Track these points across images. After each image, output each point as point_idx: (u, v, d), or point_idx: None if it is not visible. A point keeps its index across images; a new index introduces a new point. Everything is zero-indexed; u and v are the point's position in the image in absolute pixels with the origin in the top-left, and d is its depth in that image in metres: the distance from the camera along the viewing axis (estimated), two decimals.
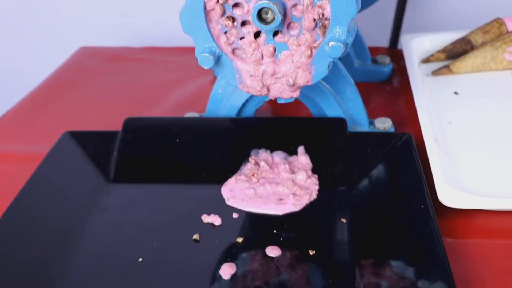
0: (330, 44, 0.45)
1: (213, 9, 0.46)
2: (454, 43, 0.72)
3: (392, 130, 0.58)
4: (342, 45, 0.45)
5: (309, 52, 0.46)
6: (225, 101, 0.58)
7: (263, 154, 0.53)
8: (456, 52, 0.71)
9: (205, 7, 0.46)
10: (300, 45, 0.47)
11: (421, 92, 0.63)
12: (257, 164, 0.51)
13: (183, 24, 0.47)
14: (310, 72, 0.48)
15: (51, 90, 0.73)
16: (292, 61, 0.47)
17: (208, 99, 0.59)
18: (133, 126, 0.56)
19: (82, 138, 0.56)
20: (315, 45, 0.46)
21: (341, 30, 0.45)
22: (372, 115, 0.62)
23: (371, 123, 0.59)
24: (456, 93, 0.65)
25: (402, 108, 0.66)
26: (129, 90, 0.72)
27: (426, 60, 0.72)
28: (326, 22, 0.45)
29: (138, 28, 0.93)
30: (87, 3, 0.93)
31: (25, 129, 0.65)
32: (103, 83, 0.74)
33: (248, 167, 0.52)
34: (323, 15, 0.45)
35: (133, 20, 0.92)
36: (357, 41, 0.70)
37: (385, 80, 0.71)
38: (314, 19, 0.45)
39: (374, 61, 0.72)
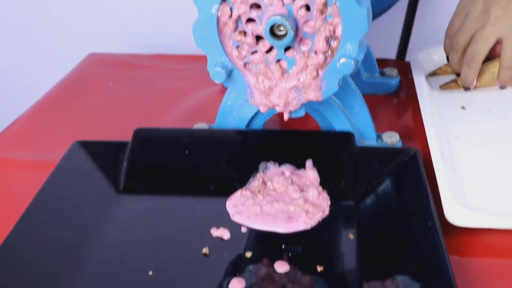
0: (341, 61, 0.46)
1: (226, 23, 0.47)
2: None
3: (400, 144, 0.59)
4: (353, 62, 0.46)
5: (315, 74, 0.47)
6: (234, 113, 0.58)
7: (272, 167, 0.54)
8: None
9: (218, 22, 0.47)
10: (307, 65, 0.47)
11: (428, 106, 0.63)
12: (264, 182, 0.52)
13: (196, 37, 0.48)
14: (320, 88, 0.48)
15: (60, 97, 0.74)
16: (298, 80, 0.48)
17: (217, 109, 0.59)
18: (142, 137, 0.57)
19: (92, 148, 0.57)
20: (322, 65, 0.47)
21: (352, 47, 0.46)
22: (379, 128, 0.62)
23: (379, 137, 0.59)
24: (463, 107, 0.65)
25: (409, 122, 0.66)
26: (138, 98, 0.73)
27: (433, 73, 0.72)
28: (335, 44, 0.46)
29: (148, 35, 0.94)
30: (96, 10, 0.94)
31: (35, 136, 0.65)
32: (112, 90, 0.75)
33: (255, 184, 0.52)
34: (334, 32, 0.46)
35: (142, 26, 0.93)
36: (365, 53, 0.70)
37: (392, 92, 0.72)
38: (327, 42, 0.46)
39: (382, 74, 0.72)
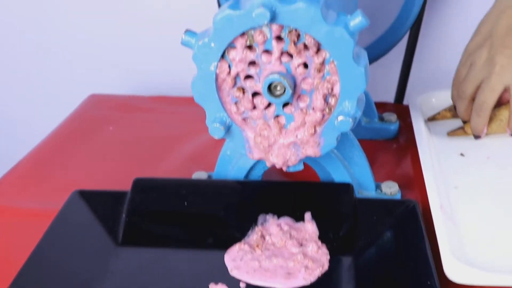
0: (339, 118, 0.46)
1: (225, 80, 0.47)
2: None
3: (399, 195, 0.59)
4: (351, 119, 0.46)
5: (313, 131, 0.47)
6: (233, 162, 0.58)
7: (270, 220, 0.53)
8: None
9: (216, 79, 0.47)
10: (305, 122, 0.47)
11: (427, 153, 0.63)
12: (262, 236, 0.51)
13: (194, 93, 0.48)
14: (319, 144, 0.48)
15: (60, 142, 0.74)
16: (296, 136, 0.48)
17: (216, 155, 0.59)
18: (142, 187, 0.57)
19: (91, 198, 0.57)
20: (320, 122, 0.47)
21: (350, 105, 0.46)
22: (379, 176, 0.62)
23: (378, 186, 0.59)
24: (462, 154, 0.66)
25: (408, 169, 0.66)
26: (138, 143, 0.73)
27: (432, 118, 0.73)
28: (333, 101, 0.46)
29: (149, 76, 0.95)
30: (98, 50, 0.95)
31: (34, 183, 0.65)
32: (112, 134, 0.75)
33: (253, 237, 0.52)
34: (332, 89, 0.46)
35: (144, 67, 0.94)
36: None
37: (392, 138, 0.72)
38: (325, 100, 0.46)
39: (381, 119, 0.72)
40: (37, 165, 0.69)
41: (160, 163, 0.68)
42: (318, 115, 0.47)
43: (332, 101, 0.47)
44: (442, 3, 0.86)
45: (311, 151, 0.48)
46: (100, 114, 0.80)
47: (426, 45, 0.88)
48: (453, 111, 0.72)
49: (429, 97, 0.76)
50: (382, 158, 0.68)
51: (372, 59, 0.76)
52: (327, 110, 0.47)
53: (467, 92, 0.64)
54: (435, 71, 0.90)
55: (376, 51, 0.75)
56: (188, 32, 0.46)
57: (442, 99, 0.76)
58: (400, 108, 0.79)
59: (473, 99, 0.64)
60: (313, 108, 0.47)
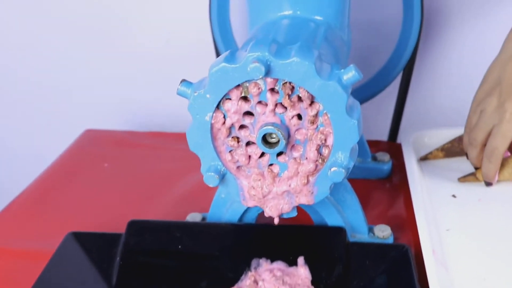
0: (332, 169, 0.47)
1: (220, 130, 0.48)
2: (452, 142, 0.73)
3: (391, 238, 0.59)
4: (344, 170, 0.47)
5: (305, 181, 0.48)
6: (227, 205, 0.59)
7: (264, 264, 0.54)
8: (454, 151, 0.73)
9: (212, 128, 0.48)
10: (298, 172, 0.48)
11: (419, 195, 0.64)
12: (255, 282, 0.52)
13: (190, 142, 0.49)
14: (312, 193, 0.49)
15: (54, 180, 0.74)
16: (290, 185, 0.49)
17: (212, 194, 0.60)
18: (136, 230, 0.57)
19: (85, 240, 0.57)
20: (313, 172, 0.48)
21: (343, 156, 0.47)
22: (371, 217, 0.63)
23: (371, 229, 0.60)
24: (454, 195, 0.66)
25: (401, 210, 0.67)
26: (133, 181, 0.73)
27: (424, 158, 0.74)
28: (327, 152, 0.47)
29: (144, 111, 0.96)
30: (94, 85, 0.96)
31: (28, 224, 0.66)
32: (107, 172, 0.75)
33: (246, 283, 0.52)
34: (325, 140, 0.47)
35: (139, 102, 0.95)
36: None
37: (385, 177, 0.73)
38: (318, 151, 0.47)
39: (374, 158, 0.73)
40: (32, 204, 0.69)
41: (155, 202, 0.68)
42: (311, 165, 0.47)
43: (325, 152, 0.47)
44: (435, 42, 0.87)
45: (304, 199, 0.49)
46: (96, 151, 0.80)
47: (420, 83, 0.89)
48: (445, 150, 0.73)
49: (421, 136, 0.77)
50: (375, 198, 0.69)
51: (366, 98, 0.77)
52: (320, 160, 0.47)
53: (478, 139, 0.64)
54: (428, 109, 0.91)
55: (369, 91, 0.76)
56: (184, 82, 0.47)
57: (434, 138, 0.77)
58: (393, 146, 0.80)
59: (484, 145, 0.64)
60: (307, 158, 0.48)
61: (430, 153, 0.74)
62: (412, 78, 0.78)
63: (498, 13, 0.85)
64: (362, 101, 0.77)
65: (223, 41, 0.77)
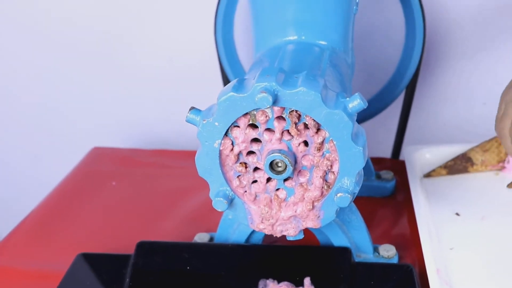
0: (338, 195, 0.48)
1: (228, 156, 0.49)
2: (455, 159, 0.74)
3: (396, 258, 0.60)
4: (350, 196, 0.48)
5: (310, 206, 0.49)
6: (235, 226, 0.60)
7: (271, 285, 0.55)
8: (457, 168, 0.74)
9: (220, 155, 0.49)
10: (304, 198, 0.49)
11: (423, 214, 0.65)
12: None
13: (199, 168, 0.50)
14: (318, 217, 0.50)
15: (63, 200, 0.75)
16: (296, 211, 0.50)
17: (219, 212, 0.61)
18: (144, 251, 0.58)
19: (95, 261, 0.59)
20: (319, 198, 0.49)
21: (349, 181, 0.48)
22: (376, 235, 0.64)
23: (376, 249, 0.61)
24: (457, 214, 0.67)
25: (405, 228, 0.68)
26: (141, 199, 0.74)
27: (428, 175, 0.75)
28: (333, 178, 0.48)
29: (151, 129, 0.97)
30: (102, 103, 0.97)
31: (38, 244, 0.66)
32: (115, 190, 0.77)
33: None
34: (331, 166, 0.48)
35: (146, 120, 0.96)
36: None
37: (389, 195, 0.74)
38: (323, 178, 0.48)
39: (378, 177, 0.74)
40: (41, 225, 0.70)
41: (163, 221, 0.69)
42: (317, 192, 0.48)
43: (331, 177, 0.48)
44: (437, 60, 0.88)
45: (311, 223, 0.50)
46: (103, 169, 0.82)
47: (423, 100, 0.90)
48: (448, 168, 0.74)
49: (424, 153, 0.78)
50: (379, 216, 0.70)
51: (369, 116, 0.78)
52: (325, 187, 0.49)
53: (506, 128, 0.64)
54: (431, 125, 0.92)
55: (373, 108, 0.77)
56: (193, 110, 0.48)
57: (437, 154, 0.78)
58: (396, 163, 0.80)
59: None
60: (313, 184, 0.49)
61: (433, 170, 0.75)
62: (415, 94, 0.78)
63: (501, 32, 0.86)
64: (365, 118, 0.78)
65: (227, 60, 0.78)
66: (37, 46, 0.95)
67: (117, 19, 0.92)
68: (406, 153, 0.77)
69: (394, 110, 0.83)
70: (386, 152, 0.87)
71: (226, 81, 0.79)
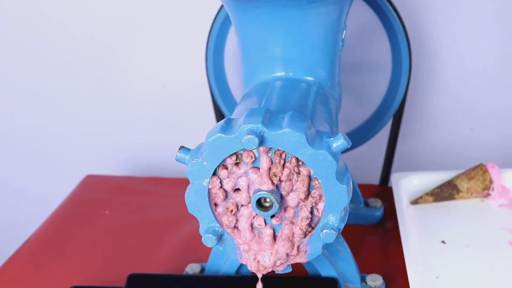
0: (324, 231, 0.49)
1: (217, 194, 0.50)
2: (441, 187, 0.76)
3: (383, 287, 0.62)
4: (335, 232, 0.49)
5: (294, 250, 0.51)
6: (225, 258, 0.61)
7: None
8: (443, 195, 0.75)
9: (209, 192, 0.50)
10: (289, 239, 0.51)
11: (410, 242, 0.66)
12: None
13: (188, 205, 0.51)
14: (306, 252, 0.51)
15: (57, 230, 0.76)
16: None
17: None
18: (135, 283, 0.59)
19: None
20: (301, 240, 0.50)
21: (334, 218, 0.49)
22: (363, 264, 0.65)
23: (363, 278, 0.62)
24: (443, 241, 0.69)
25: (392, 256, 0.69)
26: (133, 228, 0.76)
27: (415, 202, 0.76)
28: (319, 214, 0.49)
29: (144, 155, 0.98)
30: (91, 130, 0.99)
31: (30, 277, 0.67)
32: (108, 219, 0.78)
33: None
34: (317, 203, 0.49)
35: (139, 147, 0.98)
36: None
37: (376, 223, 0.75)
38: (310, 213, 0.49)
39: (366, 204, 0.76)
40: (33, 257, 0.71)
41: (155, 251, 0.70)
42: (304, 229, 0.50)
43: (317, 213, 0.50)
44: (424, 86, 0.90)
45: (298, 259, 0.52)
46: (96, 197, 0.83)
47: (411, 125, 0.92)
48: (434, 195, 0.76)
49: (411, 179, 0.79)
50: (367, 245, 0.71)
51: (357, 143, 0.80)
52: (309, 230, 0.50)
53: None
54: (419, 150, 0.94)
55: (360, 137, 0.79)
56: (182, 150, 0.50)
57: (424, 180, 0.79)
58: (384, 190, 0.82)
59: None
60: (301, 219, 0.50)
61: (420, 197, 0.76)
62: (403, 119, 0.80)
63: (487, 52, 0.88)
64: (354, 146, 0.80)
65: (218, 88, 0.80)
66: (32, 72, 0.97)
67: (112, 46, 0.94)
68: (393, 180, 0.79)
69: (382, 136, 0.84)
70: (375, 176, 0.88)
71: (217, 109, 0.81)
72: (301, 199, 0.49)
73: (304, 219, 0.50)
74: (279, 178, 0.49)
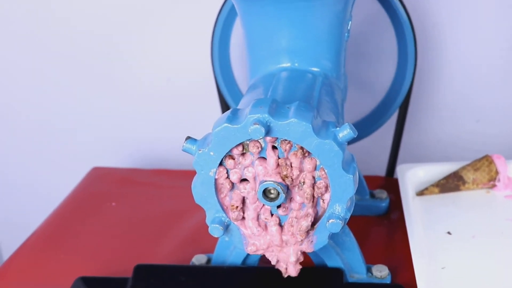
0: (330, 221, 0.49)
1: (223, 184, 0.51)
2: (447, 178, 0.76)
3: (389, 278, 0.62)
4: (341, 222, 0.49)
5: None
6: (231, 248, 0.61)
7: None
8: (449, 187, 0.75)
9: (215, 183, 0.50)
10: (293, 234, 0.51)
11: (415, 233, 0.66)
12: None
13: (195, 195, 0.51)
14: (312, 242, 0.52)
15: (63, 222, 0.77)
16: (286, 244, 0.51)
17: None
18: (142, 274, 0.60)
19: (94, 285, 0.60)
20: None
21: (340, 208, 0.49)
22: (369, 255, 0.65)
23: (369, 269, 0.62)
24: (449, 232, 0.69)
25: (398, 247, 0.69)
26: (140, 220, 0.76)
27: (420, 193, 0.76)
28: (325, 204, 0.50)
29: (150, 147, 0.99)
30: (96, 123, 0.99)
31: (37, 268, 0.67)
32: (115, 211, 0.78)
33: None
34: (322, 194, 0.50)
35: (145, 139, 0.98)
36: None
37: (382, 214, 0.75)
38: (316, 203, 0.50)
39: (372, 195, 0.76)
40: (41, 248, 0.71)
41: (162, 242, 0.71)
42: (310, 220, 0.50)
43: (323, 204, 0.50)
44: (430, 78, 0.90)
45: (304, 248, 0.52)
46: (103, 189, 0.83)
47: (417, 116, 0.92)
48: (440, 186, 0.76)
49: (417, 171, 0.79)
50: (373, 235, 0.71)
51: (363, 135, 0.80)
52: (318, 213, 0.50)
53: None
54: (425, 142, 0.94)
55: (366, 128, 0.79)
56: (189, 140, 0.50)
57: (430, 172, 0.79)
58: (390, 181, 0.82)
59: None
60: (305, 209, 0.50)
61: (426, 188, 0.76)
62: (409, 111, 0.80)
63: (492, 45, 0.88)
64: (360, 138, 0.80)
65: (223, 79, 0.80)
66: (38, 67, 0.97)
67: (117, 40, 0.94)
68: (399, 172, 0.79)
69: (388, 127, 0.84)
70: (381, 168, 0.88)
71: (222, 101, 0.81)
72: (305, 192, 0.50)
73: (310, 212, 0.50)
74: (291, 178, 0.49)
